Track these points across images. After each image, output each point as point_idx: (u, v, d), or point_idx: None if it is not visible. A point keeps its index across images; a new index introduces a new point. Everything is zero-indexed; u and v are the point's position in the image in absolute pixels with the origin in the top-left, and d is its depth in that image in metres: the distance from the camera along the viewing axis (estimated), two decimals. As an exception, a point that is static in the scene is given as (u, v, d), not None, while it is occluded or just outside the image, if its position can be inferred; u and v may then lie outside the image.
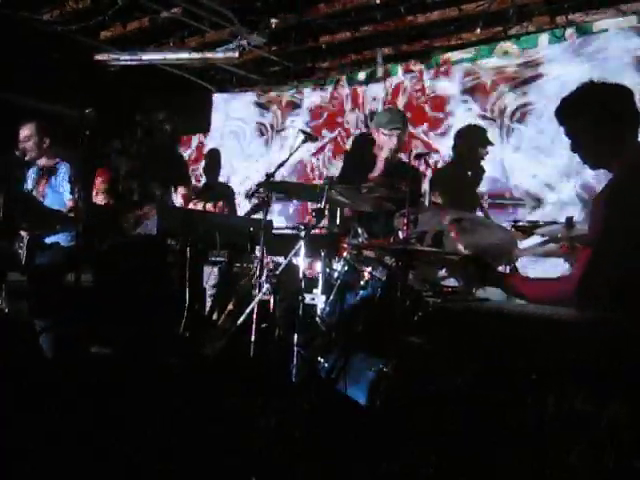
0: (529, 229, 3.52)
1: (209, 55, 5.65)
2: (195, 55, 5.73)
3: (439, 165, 5.29)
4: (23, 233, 4.32)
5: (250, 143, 6.66)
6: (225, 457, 2.54)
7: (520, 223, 3.60)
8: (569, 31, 4.71)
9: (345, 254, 3.46)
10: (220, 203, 4.21)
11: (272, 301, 3.33)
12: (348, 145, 5.86)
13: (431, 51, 5.43)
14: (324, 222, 3.70)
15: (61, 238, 4.45)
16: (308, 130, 5.38)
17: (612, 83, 2.55)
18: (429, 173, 5.09)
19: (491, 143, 4.95)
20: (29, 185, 4.68)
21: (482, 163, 4.98)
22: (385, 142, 4.36)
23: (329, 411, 2.81)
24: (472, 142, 5.05)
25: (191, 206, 4.33)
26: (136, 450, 2.57)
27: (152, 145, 4.21)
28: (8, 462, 2.41)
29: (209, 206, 4.18)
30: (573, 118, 2.55)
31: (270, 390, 2.98)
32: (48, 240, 4.47)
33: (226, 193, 5.77)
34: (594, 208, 2.49)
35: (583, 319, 2.14)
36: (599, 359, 1.88)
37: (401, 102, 5.60)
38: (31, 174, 4.71)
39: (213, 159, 6.32)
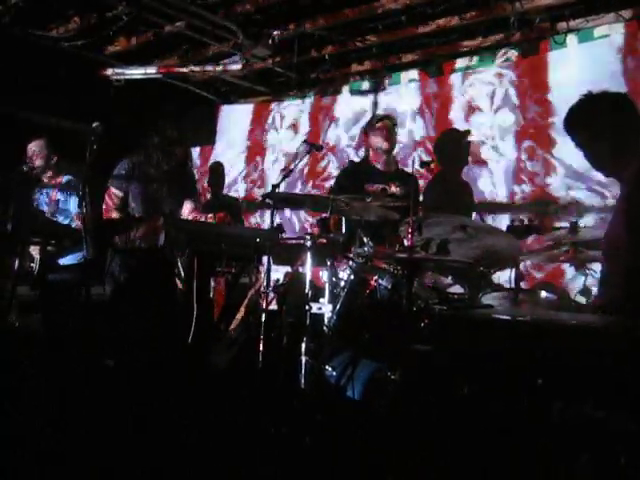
0: (526, 230, 3.54)
1: (213, 68, 5.70)
2: (199, 68, 5.78)
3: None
4: (33, 252, 4.37)
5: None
6: (233, 463, 2.55)
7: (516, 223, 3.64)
8: (570, 37, 4.74)
9: (351, 263, 3.48)
10: (221, 214, 4.23)
11: (279, 311, 3.35)
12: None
13: (433, 60, 5.46)
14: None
15: (73, 259, 4.50)
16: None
17: (614, 92, 2.57)
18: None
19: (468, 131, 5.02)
20: (39, 201, 4.73)
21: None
22: (377, 141, 4.44)
23: (338, 418, 2.82)
24: (452, 145, 5.09)
25: (193, 217, 4.37)
26: (142, 455, 2.59)
27: (162, 159, 4.23)
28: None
29: (210, 217, 4.21)
30: (580, 130, 2.57)
31: (279, 399, 2.99)
32: (62, 262, 4.53)
33: (230, 205, 5.80)
34: (613, 216, 2.52)
35: (592, 324, 2.14)
36: (609, 364, 1.88)
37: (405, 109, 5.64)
38: (41, 190, 4.77)
39: (216, 172, 6.38)
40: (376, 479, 2.29)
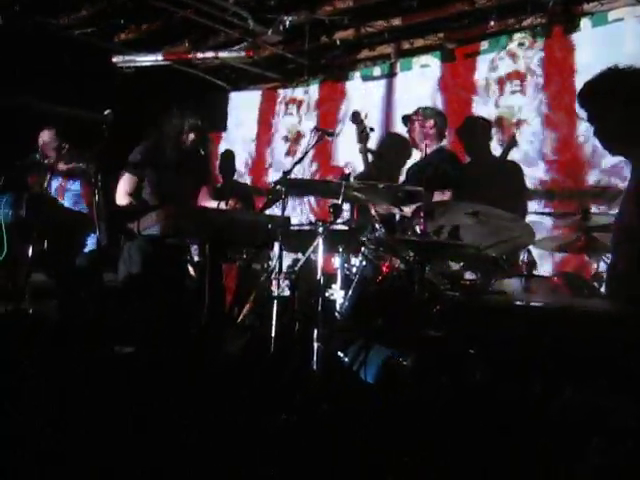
0: None
1: (224, 54, 5.69)
2: (210, 54, 5.77)
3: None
4: None
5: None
6: (245, 452, 2.55)
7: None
8: (584, 21, 4.68)
9: (363, 249, 3.48)
10: (231, 201, 4.24)
11: (291, 297, 3.36)
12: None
13: (446, 44, 5.41)
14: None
15: (91, 243, 4.53)
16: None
17: (637, 67, 2.51)
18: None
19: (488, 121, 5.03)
20: (51, 189, 4.76)
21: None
22: (418, 132, 4.55)
23: (346, 407, 2.82)
24: (471, 134, 5.09)
25: (206, 205, 4.40)
26: (150, 445, 2.60)
27: (176, 146, 4.24)
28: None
29: (222, 205, 4.22)
30: (596, 102, 2.52)
31: (291, 386, 2.99)
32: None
33: (241, 191, 5.81)
34: (624, 201, 2.48)
35: (605, 312, 2.13)
36: (620, 352, 1.87)
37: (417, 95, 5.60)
38: (53, 178, 4.78)
39: (227, 159, 6.40)
40: (376, 479, 2.29)
